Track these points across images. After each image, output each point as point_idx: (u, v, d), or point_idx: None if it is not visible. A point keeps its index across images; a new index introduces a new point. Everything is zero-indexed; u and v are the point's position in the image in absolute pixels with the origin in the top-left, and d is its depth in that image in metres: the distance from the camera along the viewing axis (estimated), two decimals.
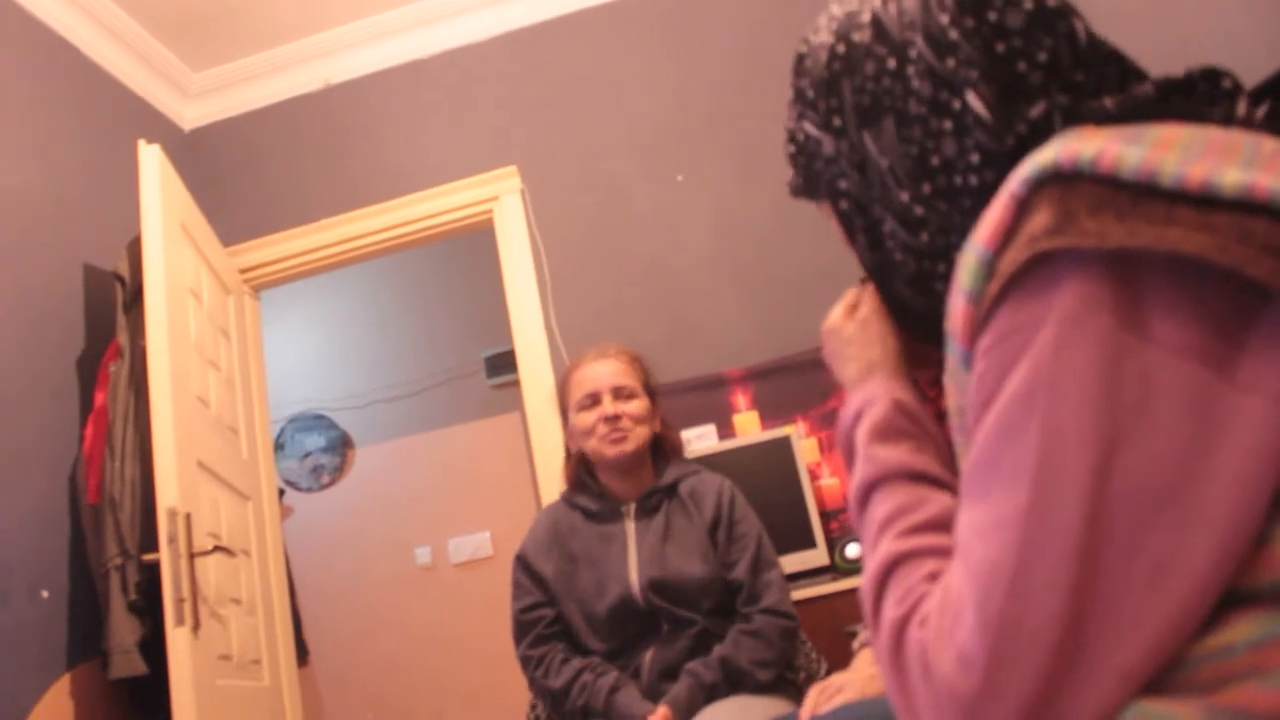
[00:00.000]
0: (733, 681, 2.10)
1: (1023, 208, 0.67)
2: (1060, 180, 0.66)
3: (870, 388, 0.93)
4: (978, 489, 0.67)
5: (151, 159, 2.99)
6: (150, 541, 2.77)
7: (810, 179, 0.94)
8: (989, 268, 0.68)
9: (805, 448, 3.17)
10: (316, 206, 3.85)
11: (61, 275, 3.15)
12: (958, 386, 0.74)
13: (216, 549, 2.80)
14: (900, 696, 0.68)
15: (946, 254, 0.82)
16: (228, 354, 3.44)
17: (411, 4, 3.90)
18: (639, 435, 2.33)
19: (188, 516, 2.67)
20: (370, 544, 5.18)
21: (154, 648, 2.71)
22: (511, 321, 3.60)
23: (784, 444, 3.06)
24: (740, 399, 3.35)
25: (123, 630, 2.75)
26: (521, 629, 2.26)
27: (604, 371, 2.38)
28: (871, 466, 0.85)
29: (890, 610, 0.73)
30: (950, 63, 0.79)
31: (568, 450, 2.51)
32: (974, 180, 0.79)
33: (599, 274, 3.58)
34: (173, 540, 2.61)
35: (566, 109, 3.79)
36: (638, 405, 2.36)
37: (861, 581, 0.80)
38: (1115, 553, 0.59)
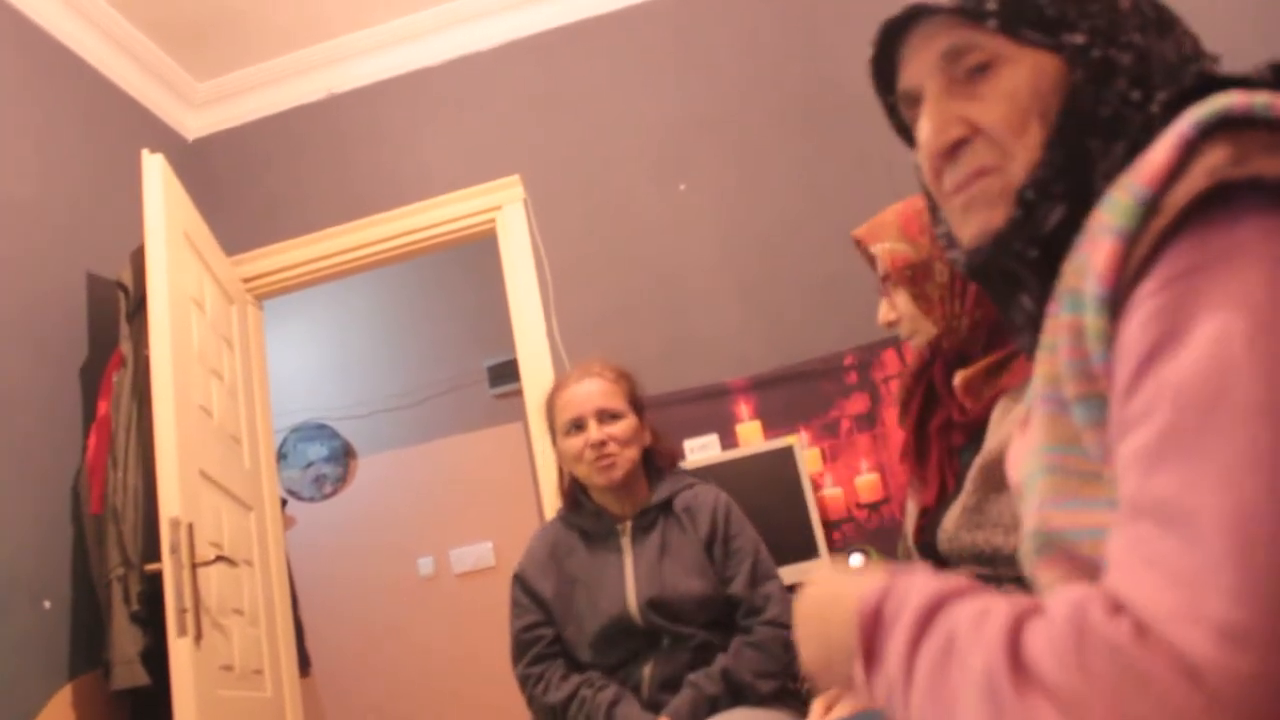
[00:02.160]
0: (735, 693, 2.09)
1: (1190, 150, 0.65)
2: (1231, 125, 0.64)
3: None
4: (1181, 442, 0.58)
5: (155, 168, 3.00)
6: (153, 551, 2.77)
7: (1062, 11, 0.85)
8: (1149, 206, 0.64)
9: (808, 458, 3.17)
10: (320, 216, 3.85)
11: (65, 284, 3.15)
12: (1072, 342, 0.70)
13: (219, 559, 2.80)
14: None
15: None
16: (230, 363, 3.44)
17: (414, 14, 3.91)
18: (627, 458, 2.29)
19: (190, 526, 2.66)
20: (372, 554, 5.17)
21: (156, 658, 2.70)
22: (514, 331, 3.60)
23: (787, 454, 3.05)
24: (743, 408, 3.34)
25: (125, 641, 2.75)
26: (521, 648, 2.25)
27: (587, 393, 2.32)
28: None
29: (986, 634, 0.61)
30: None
31: (561, 469, 2.46)
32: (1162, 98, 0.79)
33: (601, 283, 3.58)
34: (175, 550, 2.61)
35: (569, 118, 3.79)
36: (624, 426, 2.30)
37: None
38: None
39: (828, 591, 0.85)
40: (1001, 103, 0.86)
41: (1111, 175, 0.76)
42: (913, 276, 1.61)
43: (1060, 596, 0.61)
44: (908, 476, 1.69)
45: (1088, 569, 0.72)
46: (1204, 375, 0.58)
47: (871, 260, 1.80)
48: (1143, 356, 0.62)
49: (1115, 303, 0.66)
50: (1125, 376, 0.64)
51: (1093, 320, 0.67)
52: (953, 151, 0.90)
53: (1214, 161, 0.62)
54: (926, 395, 1.63)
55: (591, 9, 3.86)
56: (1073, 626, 0.57)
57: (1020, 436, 0.92)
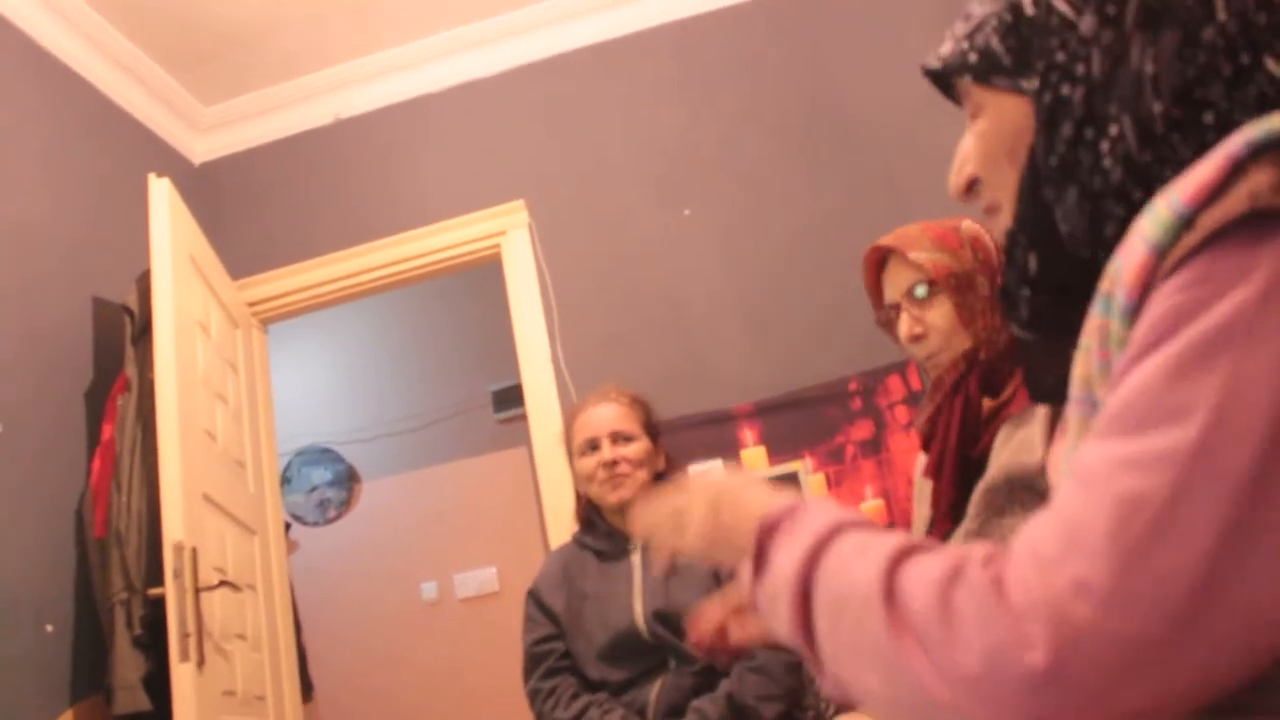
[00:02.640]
0: (739, 718, 2.09)
1: (1237, 169, 0.64)
2: None
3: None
4: (1126, 423, 0.62)
5: (161, 192, 3.01)
6: (156, 576, 2.76)
7: (1020, 53, 0.85)
8: (1186, 221, 0.65)
9: (812, 483, 3.16)
10: (325, 240, 3.87)
11: (70, 307, 3.16)
12: (1100, 344, 0.71)
13: (222, 584, 2.79)
14: (944, 642, 0.61)
15: (1147, 185, 0.77)
16: (235, 387, 3.44)
17: (419, 40, 3.93)
18: (638, 479, 2.36)
19: (194, 551, 2.66)
20: (376, 579, 5.15)
21: (158, 683, 2.69)
22: (519, 356, 3.61)
23: (791, 480, 3.05)
24: (748, 434, 3.34)
25: (127, 665, 2.74)
26: (533, 661, 2.29)
27: (602, 416, 2.42)
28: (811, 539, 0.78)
29: (923, 572, 0.66)
30: (1263, 19, 0.74)
31: (577, 492, 2.54)
32: (1218, 131, 0.74)
33: (606, 308, 3.58)
34: (178, 575, 2.60)
35: (573, 143, 3.81)
36: (636, 449, 2.39)
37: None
38: (1277, 517, 0.56)
39: (731, 490, 0.92)
40: (978, 146, 0.91)
41: (1071, 221, 0.81)
42: (958, 286, 1.62)
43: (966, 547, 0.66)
44: (935, 491, 1.66)
45: None
46: (1162, 370, 0.61)
47: (873, 282, 1.79)
48: (1127, 361, 0.65)
49: (1137, 313, 0.67)
50: (1115, 376, 0.66)
51: (1116, 327, 0.69)
52: (970, 189, 0.95)
53: (1257, 186, 0.62)
54: (964, 408, 1.61)
55: (595, 35, 3.88)
56: (951, 568, 0.64)
57: (1059, 442, 0.93)
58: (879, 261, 1.78)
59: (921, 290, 1.66)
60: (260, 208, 4.01)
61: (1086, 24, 0.81)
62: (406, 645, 5.03)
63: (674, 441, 2.93)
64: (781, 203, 3.58)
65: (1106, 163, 0.79)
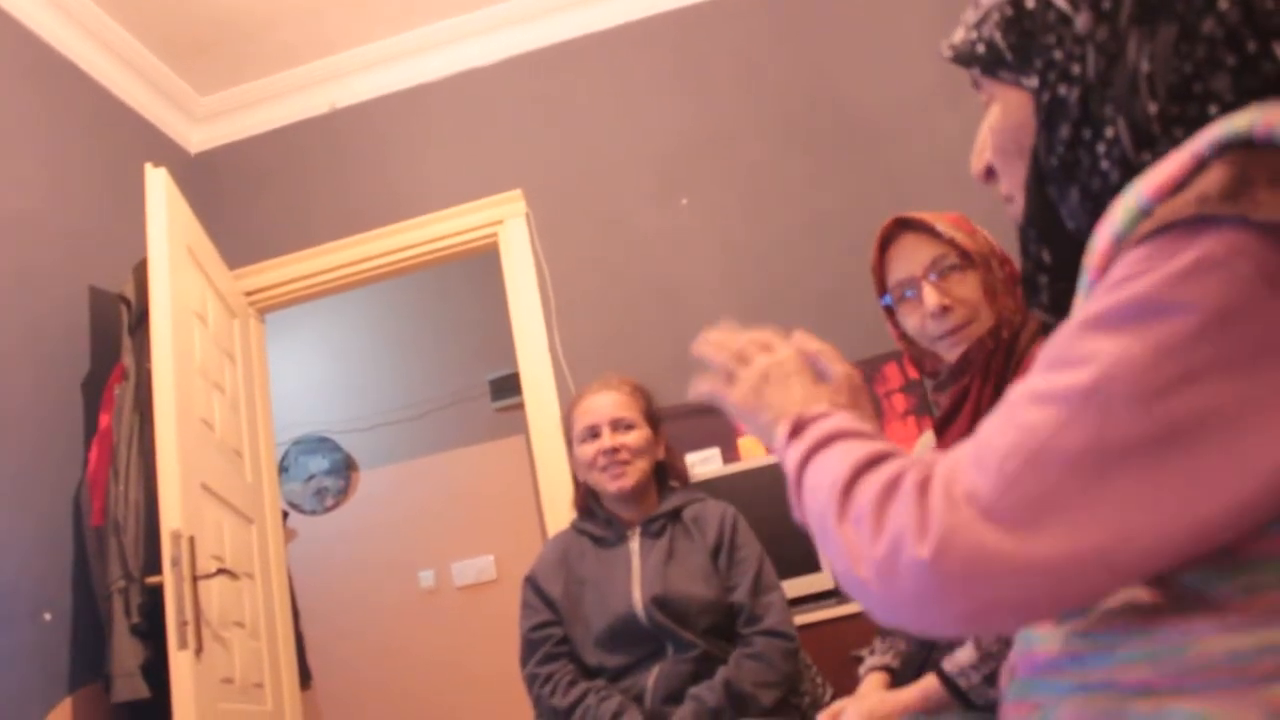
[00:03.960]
0: (736, 705, 2.10)
1: (1200, 166, 0.66)
2: (1248, 147, 0.65)
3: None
4: (1043, 364, 0.70)
5: (158, 182, 3.00)
6: (154, 564, 2.77)
7: (1021, 49, 0.85)
8: (1145, 213, 0.67)
9: None
10: (322, 229, 3.86)
11: (67, 297, 3.16)
12: None
13: (220, 572, 2.80)
14: (870, 523, 0.73)
15: None
16: (232, 377, 3.44)
17: (417, 29, 3.93)
18: (639, 467, 2.36)
19: (191, 539, 2.66)
20: (374, 567, 5.16)
21: (157, 671, 2.70)
22: (516, 345, 3.61)
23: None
24: None
25: (125, 653, 2.75)
26: (530, 647, 2.29)
27: (603, 404, 2.41)
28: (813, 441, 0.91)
29: (876, 475, 0.77)
30: (1270, 3, 0.73)
31: (576, 479, 2.54)
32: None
33: (604, 297, 3.59)
34: (176, 563, 2.61)
35: (571, 133, 3.80)
36: (637, 436, 2.38)
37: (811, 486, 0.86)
38: (1152, 462, 0.62)
39: (779, 372, 1.07)
40: (993, 140, 0.91)
41: (1075, 218, 0.82)
42: (984, 262, 1.64)
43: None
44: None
45: None
46: (1085, 324, 0.67)
47: (879, 262, 1.79)
48: (1075, 317, 0.69)
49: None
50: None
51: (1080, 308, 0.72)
52: (990, 174, 0.96)
53: (1209, 187, 0.64)
54: (999, 379, 1.61)
55: (593, 25, 3.87)
56: (895, 473, 0.74)
57: None
58: (886, 240, 1.77)
59: (952, 260, 1.66)
60: (257, 197, 4.00)
61: (1082, 20, 0.81)
62: (404, 633, 5.04)
63: (672, 430, 2.93)
64: (779, 192, 3.58)
65: (1104, 165, 0.79)
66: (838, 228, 3.42)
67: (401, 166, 3.91)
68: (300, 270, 3.85)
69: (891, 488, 0.73)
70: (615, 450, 2.34)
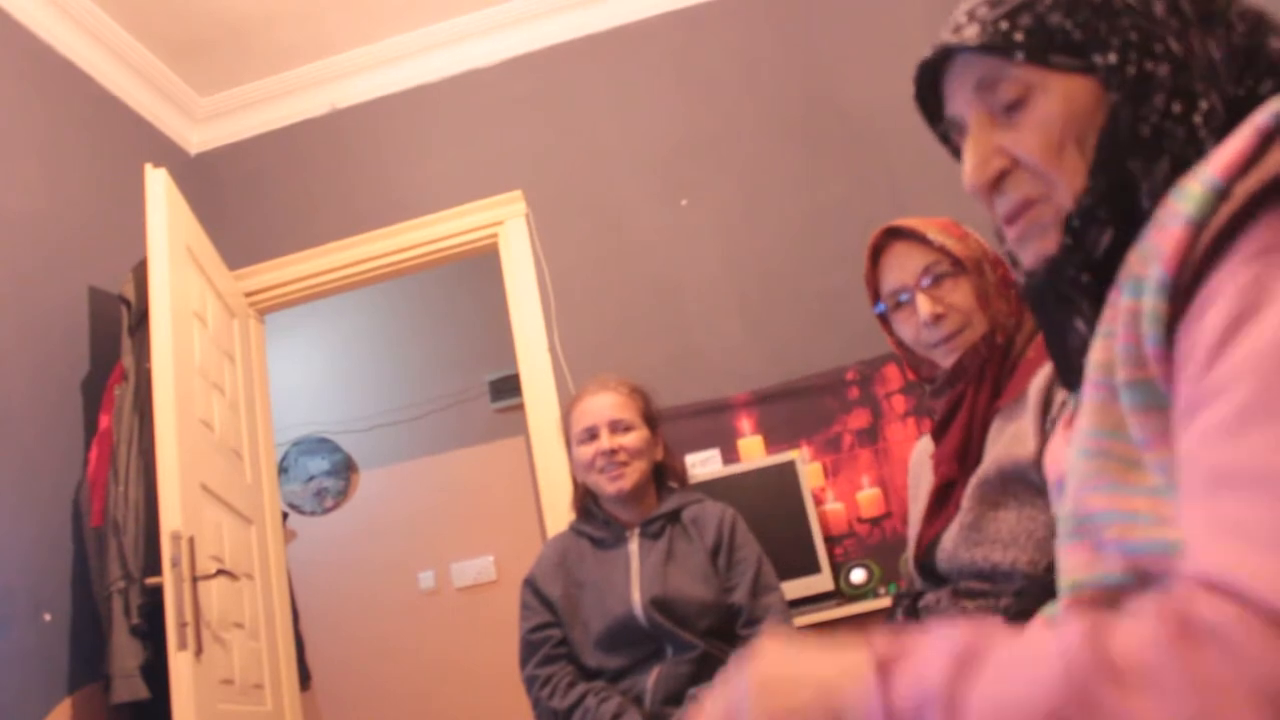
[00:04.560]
0: None
1: (1266, 140, 0.65)
2: None
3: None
4: (1267, 409, 0.57)
5: (158, 183, 3.00)
6: (153, 565, 2.77)
7: (1092, 27, 0.83)
8: (1220, 193, 0.65)
9: (810, 472, 3.17)
10: (322, 230, 3.86)
11: (67, 297, 3.16)
12: (1127, 327, 0.71)
13: (219, 573, 2.80)
14: (1212, 679, 0.51)
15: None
16: (232, 377, 3.44)
17: (417, 30, 3.93)
18: (637, 469, 2.36)
19: (191, 540, 2.66)
20: (373, 568, 5.16)
21: (156, 672, 2.70)
22: (516, 345, 3.61)
23: (789, 469, 3.05)
24: (745, 423, 3.34)
25: (125, 654, 2.74)
26: (529, 649, 2.29)
27: (601, 405, 2.41)
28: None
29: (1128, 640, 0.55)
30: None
31: (575, 480, 2.54)
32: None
33: (604, 298, 3.59)
34: (176, 564, 2.61)
35: (571, 133, 3.80)
36: (635, 437, 2.38)
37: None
38: None
39: (777, 670, 0.72)
40: (1036, 133, 0.86)
41: (1157, 195, 0.77)
42: (977, 269, 1.63)
43: (1139, 602, 0.58)
44: (948, 475, 1.64)
45: (1108, 557, 0.73)
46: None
47: (871, 271, 1.79)
48: (1220, 334, 0.62)
49: (1177, 288, 0.66)
50: (1201, 355, 0.63)
51: (1151, 304, 0.68)
52: (997, 184, 0.90)
53: None
54: (994, 385, 1.61)
55: (593, 26, 3.87)
56: (1173, 616, 0.54)
57: (1063, 433, 0.93)
58: (877, 250, 1.77)
59: (944, 268, 1.66)
60: (257, 198, 4.00)
61: (1159, 7, 0.81)
62: (404, 634, 5.04)
63: (671, 431, 2.93)
64: (779, 193, 3.58)
65: (1202, 134, 0.78)
66: (837, 224, 3.42)
67: (401, 167, 3.91)
68: (300, 271, 3.85)
69: (1185, 629, 0.53)
70: (614, 452, 2.34)
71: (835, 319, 3.34)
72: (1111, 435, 0.75)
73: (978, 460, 1.57)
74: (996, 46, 0.86)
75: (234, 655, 2.90)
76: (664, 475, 2.48)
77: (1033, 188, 0.88)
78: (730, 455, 3.31)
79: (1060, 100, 0.85)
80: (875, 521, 3.16)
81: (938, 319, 1.65)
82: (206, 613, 2.71)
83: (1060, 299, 0.89)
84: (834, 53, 3.68)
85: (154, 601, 2.75)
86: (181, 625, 2.57)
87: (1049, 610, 0.85)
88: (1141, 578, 0.71)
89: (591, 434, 2.38)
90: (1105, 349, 0.74)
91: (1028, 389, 1.47)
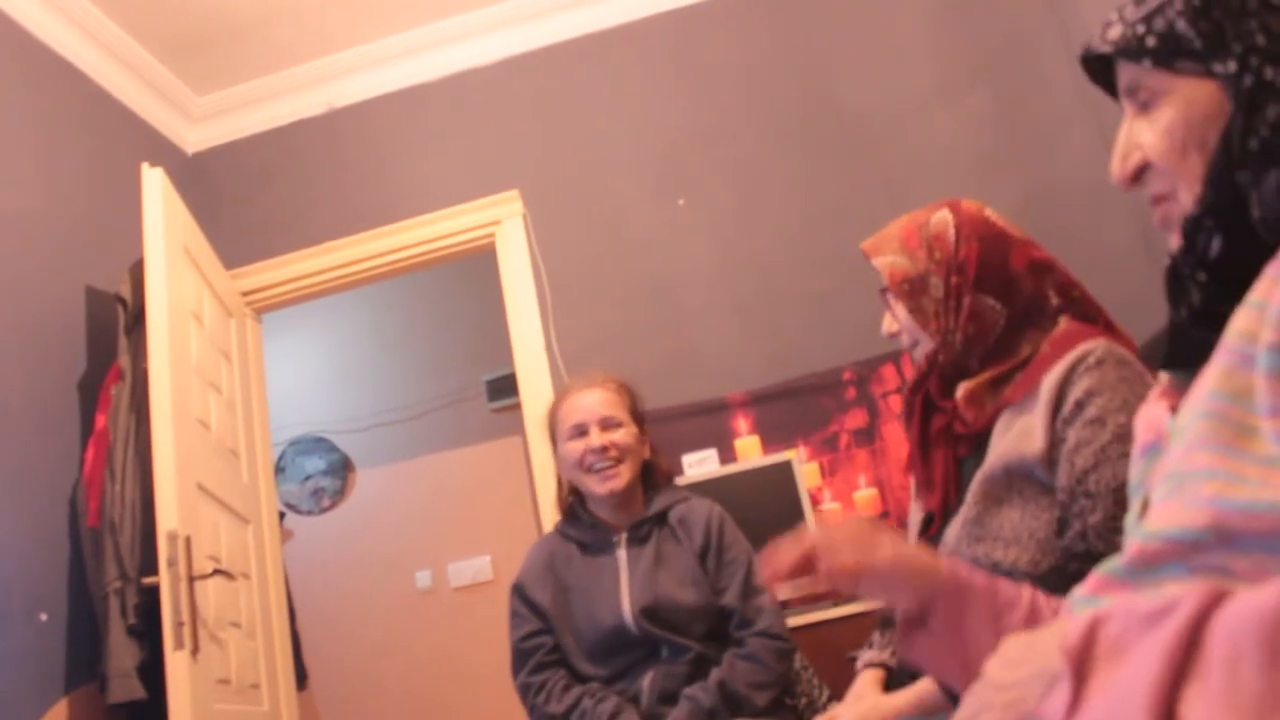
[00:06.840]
0: (731, 705, 2.09)
1: None
2: None
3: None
4: None
5: (154, 182, 3.00)
6: (150, 565, 2.76)
7: (1215, 35, 0.84)
8: None
9: (806, 472, 3.17)
10: (319, 230, 3.86)
11: (64, 297, 3.16)
12: None
13: (216, 572, 2.79)
14: None
15: None
16: (229, 377, 3.44)
17: (414, 29, 3.92)
18: (628, 468, 2.32)
19: (188, 539, 2.66)
20: (370, 567, 5.16)
21: (153, 672, 2.70)
22: (513, 345, 3.61)
23: (785, 468, 3.05)
24: (741, 423, 3.34)
25: (121, 654, 2.74)
26: (521, 657, 2.26)
27: (591, 402, 2.37)
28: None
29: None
30: None
31: (559, 479, 2.50)
32: None
33: (600, 298, 3.59)
34: (172, 563, 2.61)
35: (568, 133, 3.80)
36: (625, 434, 2.34)
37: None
38: None
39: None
40: (1162, 137, 0.89)
41: (1267, 205, 0.78)
42: (910, 290, 1.61)
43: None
44: (912, 488, 1.71)
45: (1194, 510, 0.72)
46: None
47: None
48: None
49: None
50: None
51: None
52: (1138, 176, 0.94)
53: None
54: (925, 406, 1.64)
55: (591, 25, 3.87)
56: None
57: (1156, 401, 0.95)
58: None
59: (890, 289, 1.68)
60: (254, 197, 4.00)
61: None
62: (400, 634, 5.04)
63: (668, 430, 2.95)
64: (776, 193, 3.58)
65: None
66: (834, 224, 3.42)
67: (398, 167, 3.91)
68: (297, 270, 3.84)
69: None
70: (604, 449, 2.30)
71: (832, 319, 3.35)
72: (1232, 399, 0.75)
73: (940, 471, 1.60)
74: (1129, 51, 0.90)
75: (231, 655, 2.90)
76: (651, 474, 2.44)
77: (1161, 185, 0.92)
78: (727, 455, 3.31)
79: (1183, 105, 0.87)
80: None
81: (892, 335, 1.72)
82: (203, 612, 2.71)
83: (1180, 289, 0.91)
84: (831, 53, 3.68)
85: (150, 601, 2.75)
86: (178, 625, 2.57)
87: (1108, 564, 0.84)
88: (1222, 535, 0.70)
89: (580, 430, 2.34)
90: (1252, 319, 0.74)
91: (1039, 384, 1.47)
